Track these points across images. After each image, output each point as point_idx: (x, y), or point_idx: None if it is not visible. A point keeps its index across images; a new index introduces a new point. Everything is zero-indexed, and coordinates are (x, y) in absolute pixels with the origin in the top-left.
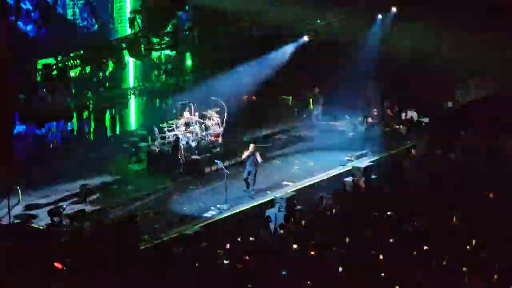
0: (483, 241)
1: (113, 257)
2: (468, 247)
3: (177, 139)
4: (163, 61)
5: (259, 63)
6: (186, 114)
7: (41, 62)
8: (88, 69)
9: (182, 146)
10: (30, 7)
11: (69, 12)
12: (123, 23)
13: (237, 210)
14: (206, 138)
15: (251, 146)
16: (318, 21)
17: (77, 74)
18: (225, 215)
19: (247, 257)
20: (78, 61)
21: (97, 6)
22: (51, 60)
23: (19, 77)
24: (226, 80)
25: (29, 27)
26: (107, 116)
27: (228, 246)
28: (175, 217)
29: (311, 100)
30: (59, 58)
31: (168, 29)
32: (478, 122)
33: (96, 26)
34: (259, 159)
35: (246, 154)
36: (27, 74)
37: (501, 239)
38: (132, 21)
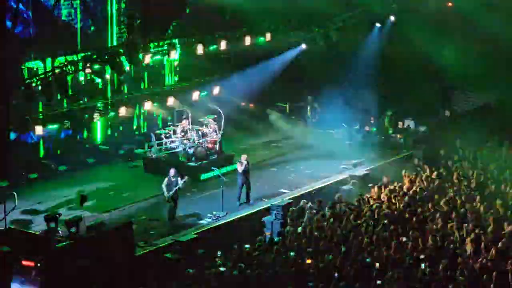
0: None
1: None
2: None
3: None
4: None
5: (257, 71)
6: (184, 121)
7: (27, 65)
8: (81, 75)
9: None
10: (23, 8)
11: (64, 13)
12: (121, 26)
13: (234, 217)
14: (203, 145)
15: (243, 157)
16: (316, 29)
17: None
18: (221, 222)
19: (243, 264)
20: (76, 67)
21: (94, 7)
22: (37, 64)
23: (16, 82)
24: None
25: (19, 28)
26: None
27: (224, 253)
28: (171, 223)
29: (308, 108)
30: (55, 63)
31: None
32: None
33: (93, 28)
34: (249, 168)
35: (240, 167)
36: (25, 80)
37: None
38: (129, 27)
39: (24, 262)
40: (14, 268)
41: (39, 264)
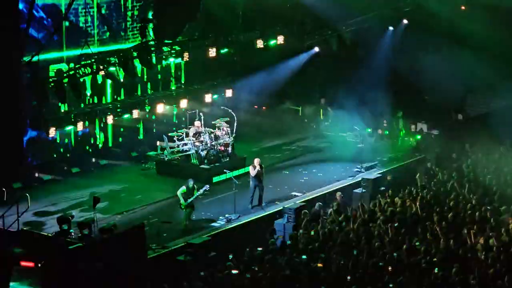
0: None
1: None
2: None
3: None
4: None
5: (270, 73)
6: (197, 123)
7: (52, 68)
8: (100, 77)
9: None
10: (44, 15)
11: (81, 20)
12: (135, 31)
13: (246, 220)
14: (215, 148)
15: (256, 161)
16: (329, 32)
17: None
18: (233, 224)
19: (255, 267)
20: (89, 69)
21: (109, 14)
22: (62, 66)
23: (31, 83)
24: (236, 89)
25: (41, 35)
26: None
27: (236, 255)
28: (185, 229)
29: (320, 110)
30: (71, 65)
31: (179, 38)
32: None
33: (108, 34)
34: (262, 171)
35: (253, 171)
36: (39, 80)
37: None
38: (143, 30)
39: (23, 263)
40: (13, 269)
41: (39, 265)
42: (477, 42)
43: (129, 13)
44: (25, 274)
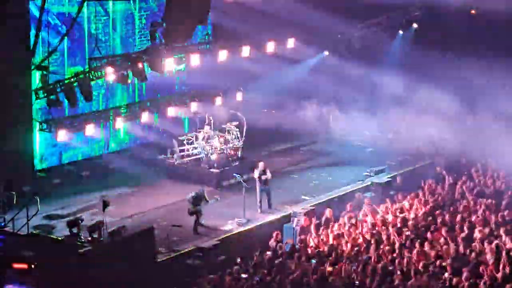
0: None
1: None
2: None
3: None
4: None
5: (279, 77)
6: (206, 127)
7: (71, 72)
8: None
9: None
10: (58, 22)
11: (93, 27)
12: (143, 38)
13: (256, 224)
14: (225, 152)
15: (261, 165)
16: (339, 35)
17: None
18: (243, 228)
19: (264, 271)
20: (99, 73)
21: (119, 22)
22: (78, 68)
23: (42, 86)
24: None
25: (56, 40)
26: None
27: (245, 259)
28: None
29: (330, 114)
30: (84, 69)
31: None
32: None
33: (118, 40)
34: (269, 176)
35: (257, 173)
36: (50, 83)
37: None
38: (152, 34)
39: (16, 265)
40: (7, 271)
41: (32, 266)
42: (486, 46)
43: (137, 22)
44: (21, 276)
